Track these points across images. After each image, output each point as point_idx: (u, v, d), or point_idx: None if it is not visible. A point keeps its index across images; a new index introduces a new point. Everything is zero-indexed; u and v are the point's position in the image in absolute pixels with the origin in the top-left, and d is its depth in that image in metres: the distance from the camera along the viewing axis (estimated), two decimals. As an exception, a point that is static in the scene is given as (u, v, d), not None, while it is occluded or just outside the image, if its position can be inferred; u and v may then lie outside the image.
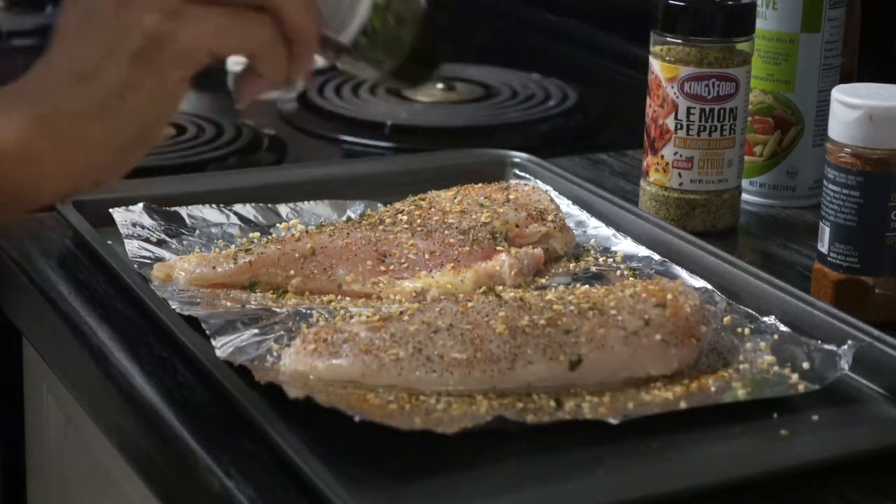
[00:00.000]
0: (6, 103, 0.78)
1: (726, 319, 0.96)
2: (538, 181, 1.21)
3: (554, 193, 1.17)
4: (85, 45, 0.77)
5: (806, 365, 0.90)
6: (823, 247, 1.03)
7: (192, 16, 0.77)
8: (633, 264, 1.07)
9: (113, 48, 0.77)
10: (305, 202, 1.16)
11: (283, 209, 1.15)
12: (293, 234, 1.08)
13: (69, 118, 0.77)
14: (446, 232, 1.05)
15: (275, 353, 0.90)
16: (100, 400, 0.95)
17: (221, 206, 1.14)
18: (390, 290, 1.01)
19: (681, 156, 1.17)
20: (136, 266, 1.03)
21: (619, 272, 1.06)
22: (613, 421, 0.82)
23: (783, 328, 0.95)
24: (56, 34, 0.79)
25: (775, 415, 0.86)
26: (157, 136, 0.80)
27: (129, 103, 0.77)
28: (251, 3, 0.78)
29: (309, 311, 0.97)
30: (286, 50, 0.80)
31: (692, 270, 1.05)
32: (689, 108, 1.16)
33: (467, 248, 1.03)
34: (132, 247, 1.05)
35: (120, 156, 0.80)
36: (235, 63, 1.27)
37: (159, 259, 1.04)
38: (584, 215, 1.16)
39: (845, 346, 0.90)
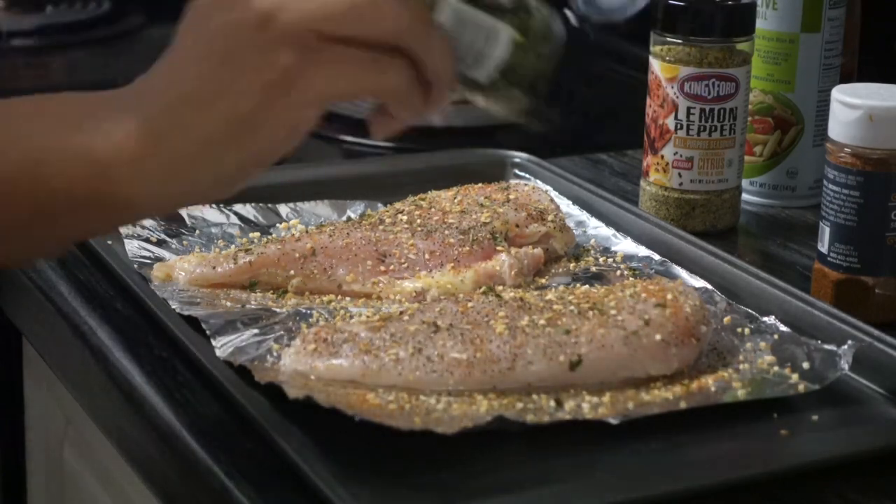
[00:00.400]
0: (116, 107, 0.75)
1: (726, 319, 0.96)
2: (538, 181, 1.21)
3: (554, 193, 1.17)
4: (212, 69, 0.74)
5: (806, 365, 0.90)
6: (823, 247, 1.03)
7: (330, 56, 0.73)
8: (633, 264, 1.07)
9: (245, 78, 0.73)
10: (305, 202, 1.16)
11: (283, 209, 1.15)
12: (293, 234, 1.08)
13: (182, 138, 0.74)
14: (446, 232, 1.05)
15: (275, 353, 0.90)
16: (100, 400, 0.95)
17: (221, 206, 1.14)
18: (390, 290, 1.01)
19: (681, 156, 1.17)
20: (136, 266, 1.03)
21: (619, 272, 1.06)
22: (613, 421, 0.82)
23: (783, 328, 0.95)
24: (174, 48, 0.76)
25: (775, 415, 0.86)
26: (268, 165, 0.77)
27: (248, 133, 0.74)
28: (389, 45, 0.74)
29: (309, 311, 0.97)
30: (421, 92, 0.76)
31: (692, 270, 1.05)
32: (689, 108, 1.16)
33: (467, 248, 1.03)
34: (132, 247, 1.05)
35: (226, 180, 0.77)
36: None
37: (159, 259, 1.04)
38: (584, 215, 1.16)
39: (845, 346, 0.90)
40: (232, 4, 0.74)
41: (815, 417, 0.86)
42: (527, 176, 1.23)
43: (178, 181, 0.76)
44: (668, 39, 1.16)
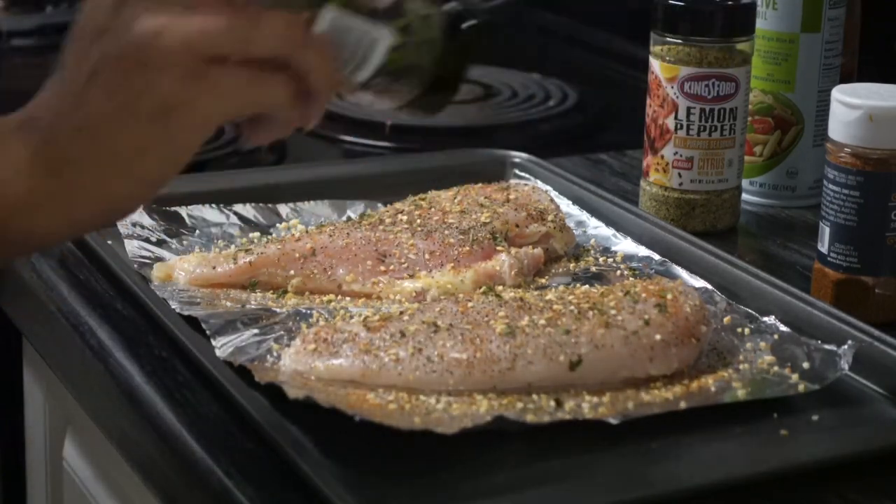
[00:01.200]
0: (6, 137, 0.75)
1: (726, 319, 0.96)
2: (538, 181, 1.21)
3: (554, 193, 1.17)
4: (97, 98, 0.74)
5: (806, 365, 0.90)
6: (823, 247, 1.03)
7: (213, 78, 0.73)
8: (633, 264, 1.07)
9: (128, 107, 0.73)
10: (305, 202, 1.16)
11: (283, 209, 1.15)
12: (293, 234, 1.08)
13: (76, 168, 0.74)
14: (446, 232, 1.05)
15: (275, 353, 0.90)
16: (100, 400, 0.95)
17: (221, 206, 1.14)
18: (390, 290, 1.01)
19: (681, 156, 1.17)
20: (136, 266, 1.03)
21: (619, 272, 1.06)
22: (613, 421, 0.82)
23: (783, 328, 0.95)
24: (61, 76, 0.76)
25: (775, 415, 0.86)
26: (159, 189, 0.77)
27: (136, 161, 0.74)
28: (273, 60, 0.74)
29: (309, 311, 0.97)
30: (302, 103, 0.76)
31: (692, 270, 1.05)
32: (689, 108, 1.16)
33: (467, 248, 1.03)
34: (132, 247, 1.05)
35: (119, 207, 0.77)
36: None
37: (159, 259, 1.04)
38: (584, 215, 1.16)
39: (845, 346, 0.90)
40: (111, 31, 0.74)
41: (815, 417, 0.86)
42: (527, 176, 1.23)
43: (71, 210, 0.76)
44: (668, 39, 1.16)
